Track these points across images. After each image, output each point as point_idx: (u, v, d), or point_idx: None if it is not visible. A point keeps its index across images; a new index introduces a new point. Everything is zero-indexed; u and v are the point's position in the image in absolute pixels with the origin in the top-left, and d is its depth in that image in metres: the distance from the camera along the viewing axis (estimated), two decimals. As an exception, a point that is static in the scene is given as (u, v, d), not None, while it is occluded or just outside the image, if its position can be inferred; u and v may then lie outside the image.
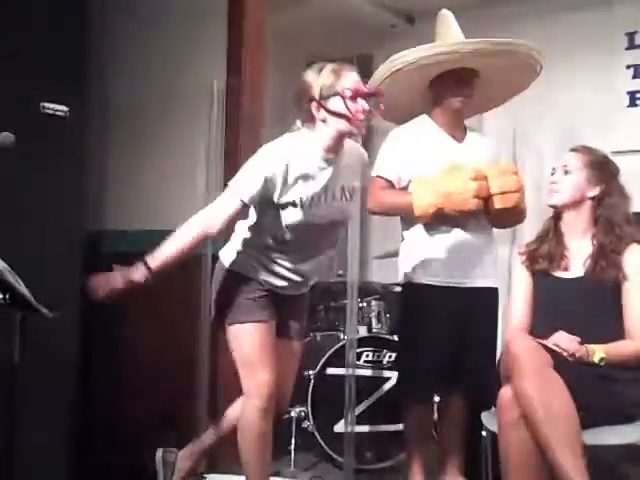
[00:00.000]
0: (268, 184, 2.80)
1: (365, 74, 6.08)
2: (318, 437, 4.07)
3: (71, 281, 3.86)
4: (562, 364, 2.73)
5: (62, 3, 3.80)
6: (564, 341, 2.80)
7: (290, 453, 4.09)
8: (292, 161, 2.82)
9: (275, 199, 2.84)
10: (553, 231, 3.09)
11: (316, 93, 2.78)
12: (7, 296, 2.72)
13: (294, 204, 2.84)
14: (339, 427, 4.05)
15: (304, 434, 4.14)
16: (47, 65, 3.68)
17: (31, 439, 3.28)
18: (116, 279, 2.85)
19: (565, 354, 2.76)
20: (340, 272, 4.82)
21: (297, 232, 2.91)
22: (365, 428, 4.12)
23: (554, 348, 2.77)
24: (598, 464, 2.86)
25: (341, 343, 4.17)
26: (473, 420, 3.26)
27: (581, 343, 2.81)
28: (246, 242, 3.01)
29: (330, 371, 4.15)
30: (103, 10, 4.30)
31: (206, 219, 2.87)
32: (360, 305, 4.47)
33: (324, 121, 2.81)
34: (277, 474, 3.92)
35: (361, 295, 4.40)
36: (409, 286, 3.57)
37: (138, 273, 2.84)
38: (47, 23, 3.72)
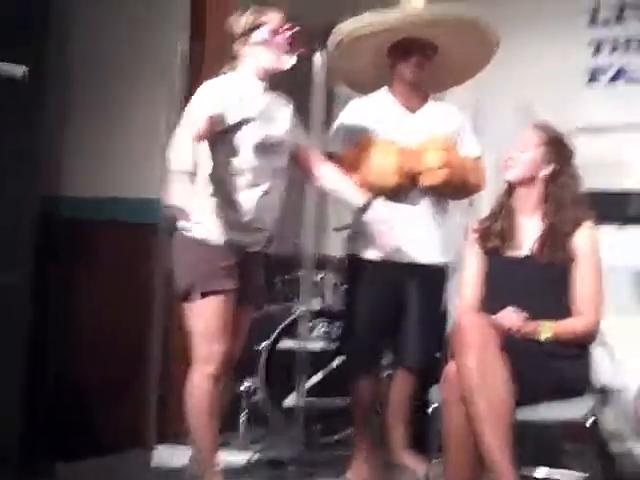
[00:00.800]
0: (224, 108, 2.89)
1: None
2: (268, 410, 4.05)
3: (25, 246, 3.82)
4: (510, 341, 2.75)
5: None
6: (510, 317, 2.81)
7: (240, 426, 4.07)
8: (231, 93, 2.94)
9: (228, 124, 2.93)
10: (505, 208, 3.09)
11: (241, 30, 3.02)
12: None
13: (239, 124, 2.94)
14: (289, 401, 4.03)
15: (254, 407, 4.12)
16: (8, 24, 3.60)
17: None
18: None
19: (511, 330, 2.76)
20: (296, 241, 4.79)
21: (250, 154, 2.99)
22: (315, 401, 4.11)
23: (501, 324, 2.77)
24: (539, 440, 2.89)
25: (294, 316, 4.15)
26: (422, 395, 3.27)
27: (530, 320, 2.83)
28: (204, 203, 3.01)
29: (282, 344, 4.12)
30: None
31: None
32: (316, 278, 4.44)
33: (249, 56, 3.03)
34: (226, 446, 3.92)
35: (317, 267, 4.37)
36: (349, 259, 3.61)
37: None
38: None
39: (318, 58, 3.85)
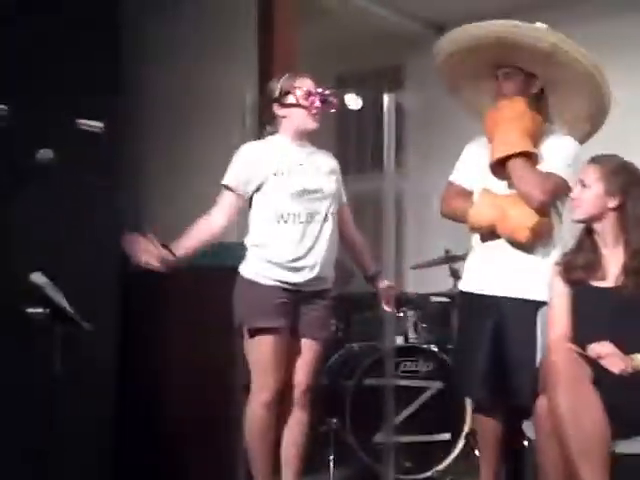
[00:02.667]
0: (250, 172, 3.28)
1: (396, 84, 6.17)
2: (357, 449, 4.06)
3: (108, 295, 3.90)
4: (601, 374, 2.71)
5: (95, 22, 3.84)
6: (614, 363, 2.76)
7: (329, 465, 4.08)
8: (267, 151, 3.32)
9: (256, 183, 3.28)
10: (588, 242, 3.06)
11: (276, 95, 3.32)
12: (48, 310, 2.76)
13: (275, 174, 3.25)
14: (378, 438, 4.04)
15: (342, 446, 4.13)
16: (81, 81, 3.72)
17: (69, 453, 3.31)
18: (150, 251, 3.20)
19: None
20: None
21: (290, 203, 3.25)
22: (404, 438, 4.11)
23: (602, 362, 2.75)
24: (636, 474, 2.84)
25: (379, 354, 4.16)
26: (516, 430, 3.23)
27: (622, 352, 2.78)
28: (257, 247, 3.29)
29: (368, 382, 4.14)
30: (135, 25, 4.34)
31: (207, 215, 3.33)
32: (396, 315, 4.46)
33: (285, 117, 3.34)
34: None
35: (397, 305, 4.39)
36: (459, 293, 3.64)
37: (164, 254, 3.19)
38: (80, 40, 3.76)
39: (387, 99, 3.90)
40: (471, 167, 3.52)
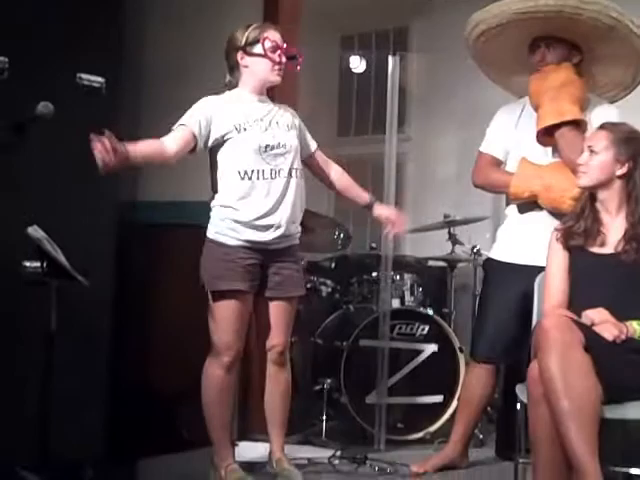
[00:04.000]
0: (209, 121, 3.17)
1: (402, 46, 6.14)
2: (349, 408, 4.10)
3: (105, 250, 3.92)
4: (594, 339, 2.73)
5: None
6: (607, 330, 2.76)
7: (321, 423, 4.12)
8: (222, 104, 3.23)
9: (215, 136, 3.18)
10: (589, 208, 3.05)
11: (242, 43, 3.22)
12: (45, 264, 2.76)
13: (237, 130, 3.18)
14: (371, 398, 4.07)
15: (336, 405, 4.17)
16: (83, 35, 3.71)
17: (65, 406, 3.34)
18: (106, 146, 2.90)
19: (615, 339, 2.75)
20: (373, 245, 4.84)
21: (253, 159, 3.17)
22: (396, 400, 4.15)
23: (595, 329, 2.77)
24: (627, 439, 2.86)
25: (374, 315, 4.19)
26: (509, 392, 3.27)
27: (618, 318, 2.80)
28: (219, 205, 3.21)
29: (363, 343, 4.17)
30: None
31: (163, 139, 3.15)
32: (393, 278, 4.48)
33: (247, 67, 3.25)
34: (308, 443, 3.98)
35: (394, 268, 4.41)
36: (488, 261, 3.62)
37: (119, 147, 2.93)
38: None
39: (391, 61, 3.89)
40: (503, 136, 3.50)
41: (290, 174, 3.22)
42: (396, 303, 4.47)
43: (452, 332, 4.35)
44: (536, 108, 3.34)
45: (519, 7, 3.25)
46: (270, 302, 3.30)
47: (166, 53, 4.41)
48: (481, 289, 3.75)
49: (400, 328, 4.26)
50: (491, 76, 3.70)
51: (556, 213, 3.30)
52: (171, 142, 3.12)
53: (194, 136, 3.15)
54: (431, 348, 4.28)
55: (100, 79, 2.84)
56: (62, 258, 2.87)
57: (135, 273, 4.34)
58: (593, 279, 2.97)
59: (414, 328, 4.28)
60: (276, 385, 3.38)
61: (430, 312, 4.38)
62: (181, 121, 3.18)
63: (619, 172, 2.97)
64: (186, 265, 4.26)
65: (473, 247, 4.87)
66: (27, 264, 2.98)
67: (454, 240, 4.95)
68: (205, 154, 4.21)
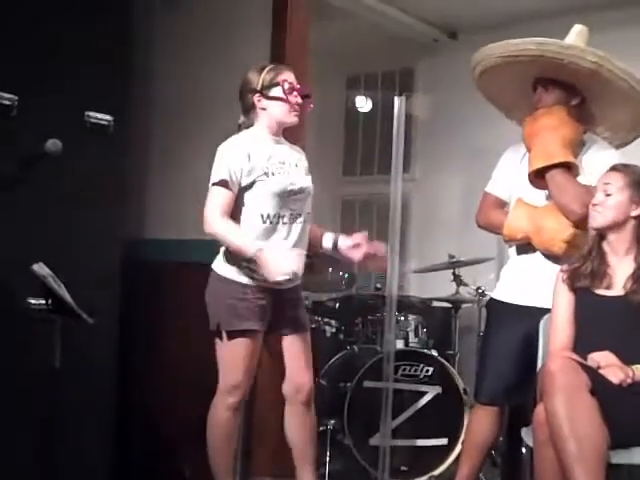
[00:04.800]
0: (236, 170, 3.14)
1: (407, 87, 6.17)
2: (353, 450, 4.07)
3: (110, 288, 3.91)
4: (600, 383, 2.72)
5: (107, 19, 3.85)
6: (613, 373, 2.77)
7: (325, 465, 4.09)
8: (250, 147, 3.18)
9: (247, 181, 3.16)
10: (596, 250, 3.06)
11: (258, 86, 3.23)
12: (50, 301, 2.76)
13: (266, 174, 3.17)
14: (374, 440, 4.04)
15: (339, 447, 4.14)
16: (91, 73, 3.73)
17: (67, 444, 3.32)
18: None
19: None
20: (378, 285, 4.84)
21: (276, 204, 3.18)
22: (401, 442, 4.12)
23: (601, 372, 2.76)
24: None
25: (378, 356, 4.17)
26: (513, 435, 3.24)
27: (624, 361, 2.80)
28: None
29: (367, 384, 4.14)
30: (146, 24, 4.36)
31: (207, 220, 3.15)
32: (397, 319, 4.47)
33: (264, 109, 3.25)
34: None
35: (399, 309, 4.40)
36: (490, 301, 3.61)
37: None
38: (90, 32, 3.78)
39: (397, 102, 3.90)
40: (507, 177, 3.49)
41: (305, 219, 3.25)
42: (400, 344, 4.46)
43: (456, 374, 4.33)
44: (528, 150, 3.35)
45: (502, 52, 3.28)
46: (285, 339, 3.30)
47: (175, 90, 4.44)
48: (484, 330, 3.73)
49: (404, 369, 4.24)
50: (502, 111, 3.71)
51: (549, 256, 3.30)
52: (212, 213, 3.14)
53: (234, 194, 3.16)
54: (435, 390, 4.26)
55: (108, 117, 2.86)
56: (67, 296, 2.86)
57: (140, 311, 4.33)
58: (599, 321, 2.97)
59: (418, 369, 4.26)
60: (305, 426, 3.35)
61: (434, 353, 4.37)
62: (221, 176, 3.14)
63: (634, 213, 2.99)
64: (191, 303, 4.25)
65: (478, 288, 4.86)
66: (32, 301, 2.98)
67: (459, 281, 4.94)
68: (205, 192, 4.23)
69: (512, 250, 3.50)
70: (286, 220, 3.19)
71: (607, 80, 3.21)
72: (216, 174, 3.15)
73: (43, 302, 2.84)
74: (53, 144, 2.61)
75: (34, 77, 3.51)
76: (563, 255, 3.21)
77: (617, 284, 2.99)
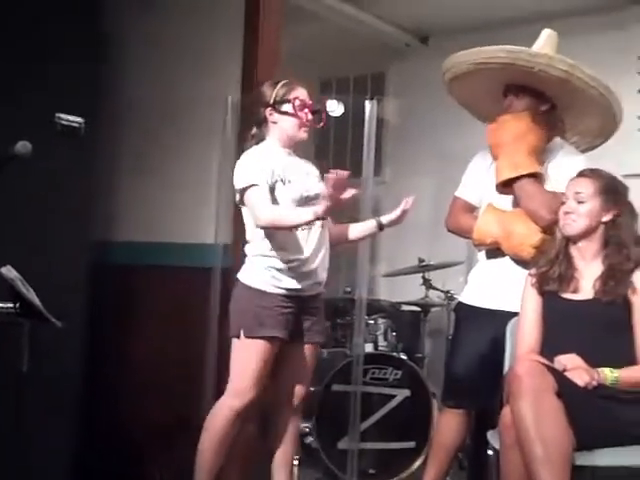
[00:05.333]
0: (261, 176, 3.19)
1: (379, 91, 6.19)
2: (322, 453, 4.08)
3: (78, 292, 3.89)
4: (566, 386, 2.75)
5: (77, 21, 3.84)
6: (579, 376, 2.79)
7: (294, 468, 4.08)
8: (267, 157, 3.25)
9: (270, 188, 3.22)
10: (563, 254, 3.08)
11: (271, 100, 3.29)
12: (18, 305, 2.74)
13: (282, 182, 3.22)
14: (343, 444, 4.06)
15: (308, 450, 4.15)
16: (62, 74, 3.71)
17: (36, 448, 3.30)
18: None
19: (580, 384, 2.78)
20: (348, 289, 4.85)
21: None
22: (369, 445, 4.13)
23: (567, 375, 2.79)
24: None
25: (347, 360, 4.19)
26: (480, 438, 3.26)
27: (591, 365, 2.83)
28: (260, 254, 3.23)
29: (335, 388, 4.16)
30: (117, 26, 4.34)
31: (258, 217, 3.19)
32: (367, 322, 4.48)
33: (275, 123, 3.31)
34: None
35: (368, 312, 4.42)
36: (458, 305, 3.64)
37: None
38: (61, 33, 3.76)
39: (368, 106, 3.92)
40: (477, 181, 3.53)
41: (322, 224, 3.28)
42: (369, 347, 4.49)
43: (425, 377, 4.35)
44: (494, 159, 3.39)
45: (474, 58, 3.33)
46: (300, 347, 3.31)
47: (147, 92, 4.42)
48: (452, 334, 3.76)
49: (373, 373, 4.26)
50: (477, 117, 3.74)
51: (519, 260, 3.33)
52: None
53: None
54: (404, 393, 4.29)
55: (79, 119, 2.82)
56: (35, 299, 2.84)
57: (109, 314, 4.31)
58: (566, 325, 3.00)
59: (387, 373, 4.29)
60: (292, 432, 3.38)
61: (403, 357, 4.39)
62: (246, 183, 3.19)
63: (605, 219, 3.02)
64: (161, 307, 4.26)
65: (447, 292, 4.90)
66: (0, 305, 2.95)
67: (428, 285, 4.96)
68: (184, 195, 4.24)
69: (481, 254, 3.53)
70: (305, 226, 3.21)
71: (577, 88, 3.25)
72: (243, 181, 3.20)
73: (11, 305, 2.81)
74: (23, 146, 2.58)
75: (3, 78, 3.50)
76: (532, 260, 3.24)
77: (584, 287, 3.02)
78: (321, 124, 3.40)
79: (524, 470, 2.68)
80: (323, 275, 3.31)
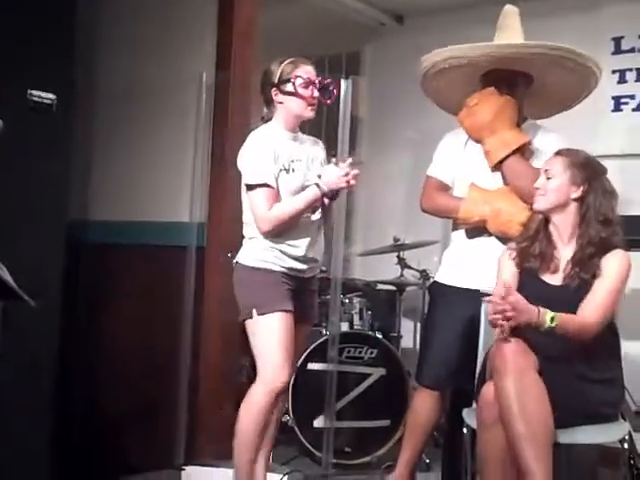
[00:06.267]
0: (269, 167, 3.17)
1: (354, 70, 6.17)
2: (297, 432, 4.09)
3: (53, 270, 3.87)
4: (543, 364, 2.78)
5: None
6: (519, 306, 2.76)
7: (269, 447, 4.10)
8: (273, 145, 3.20)
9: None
10: (543, 232, 3.09)
11: (276, 79, 3.23)
12: (-9, 284, 2.71)
13: (286, 171, 3.21)
14: (319, 422, 4.07)
15: (283, 429, 4.14)
16: (35, 51, 3.67)
17: (12, 427, 3.29)
18: None
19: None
20: (323, 268, 4.84)
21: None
22: (345, 424, 4.15)
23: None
24: (574, 464, 2.90)
25: (323, 338, 4.19)
26: (455, 416, 3.28)
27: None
28: (263, 239, 3.21)
29: (311, 366, 4.16)
30: (92, 5, 4.31)
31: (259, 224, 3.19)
32: (342, 301, 4.49)
33: (281, 103, 3.25)
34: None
35: (344, 291, 4.42)
36: (433, 284, 3.66)
37: None
38: (34, 9, 3.71)
39: (343, 85, 3.91)
40: (450, 160, 3.53)
41: (323, 208, 3.29)
42: (345, 326, 4.49)
43: (400, 356, 4.37)
44: (477, 141, 3.41)
45: (465, 54, 3.35)
46: (298, 326, 3.26)
47: (120, 72, 4.40)
48: (427, 313, 3.77)
49: (349, 352, 4.27)
50: (445, 107, 3.75)
51: (503, 238, 3.33)
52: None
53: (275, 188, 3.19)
54: (379, 372, 4.30)
55: (51, 96, 2.79)
56: (8, 277, 2.82)
57: (85, 293, 4.30)
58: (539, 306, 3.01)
59: (362, 352, 4.30)
60: (279, 413, 3.39)
61: (379, 336, 4.40)
62: (262, 179, 3.15)
63: (574, 195, 3.02)
64: (137, 285, 4.25)
65: (422, 271, 4.91)
66: (-28, 284, 2.92)
67: (403, 264, 4.97)
68: (159, 174, 4.21)
69: (457, 234, 3.53)
70: (307, 213, 3.20)
71: (563, 67, 3.32)
72: (252, 176, 3.17)
73: (-16, 285, 2.79)
74: (-6, 123, 2.56)
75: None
76: (519, 238, 3.25)
77: (561, 270, 3.02)
78: (329, 101, 3.34)
79: (503, 448, 2.70)
80: (320, 256, 3.32)
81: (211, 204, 4.12)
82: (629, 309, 3.18)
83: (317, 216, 3.27)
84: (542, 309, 2.77)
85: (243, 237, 3.28)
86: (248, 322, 3.18)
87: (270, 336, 3.14)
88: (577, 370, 2.84)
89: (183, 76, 4.21)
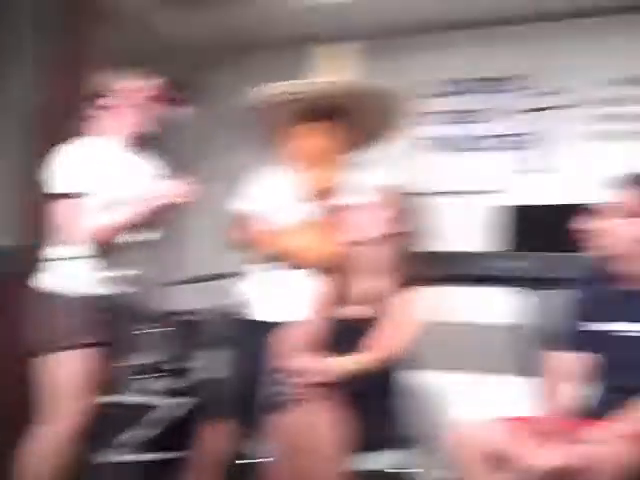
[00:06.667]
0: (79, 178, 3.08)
1: (186, 98, 6.13)
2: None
3: None
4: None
5: None
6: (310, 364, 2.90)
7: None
8: (93, 154, 3.15)
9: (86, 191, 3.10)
10: (349, 265, 3.18)
11: (103, 91, 3.27)
12: None
13: (102, 186, 3.11)
14: (100, 457, 3.93)
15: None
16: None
17: None
18: None
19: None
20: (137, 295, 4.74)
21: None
22: (131, 457, 4.03)
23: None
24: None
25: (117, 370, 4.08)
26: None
27: None
28: (68, 260, 3.06)
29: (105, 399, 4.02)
30: None
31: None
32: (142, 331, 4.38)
33: (116, 116, 3.25)
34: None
35: (144, 320, 4.33)
36: (230, 317, 3.73)
37: None
38: None
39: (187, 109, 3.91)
40: (259, 193, 3.56)
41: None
42: (140, 357, 4.38)
43: (194, 388, 4.31)
44: (297, 173, 3.50)
45: (292, 89, 3.42)
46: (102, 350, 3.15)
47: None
48: (222, 346, 3.75)
49: (141, 383, 4.16)
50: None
51: (304, 272, 3.40)
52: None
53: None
54: (171, 403, 4.24)
55: None
56: None
57: None
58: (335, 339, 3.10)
59: (155, 383, 4.20)
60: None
61: (172, 367, 4.32)
62: (60, 188, 3.07)
63: (387, 230, 3.12)
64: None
65: (222, 303, 4.87)
66: None
67: (203, 295, 4.93)
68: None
69: (255, 266, 3.54)
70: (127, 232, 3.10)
71: (366, 101, 3.47)
72: (62, 186, 3.06)
73: None
74: None
75: None
76: (326, 272, 3.32)
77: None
78: (170, 114, 3.35)
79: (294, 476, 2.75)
80: (136, 278, 3.22)
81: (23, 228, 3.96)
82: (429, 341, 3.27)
83: (143, 236, 3.17)
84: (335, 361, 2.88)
85: (46, 260, 3.09)
86: (41, 358, 2.98)
87: (67, 373, 2.97)
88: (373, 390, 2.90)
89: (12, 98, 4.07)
